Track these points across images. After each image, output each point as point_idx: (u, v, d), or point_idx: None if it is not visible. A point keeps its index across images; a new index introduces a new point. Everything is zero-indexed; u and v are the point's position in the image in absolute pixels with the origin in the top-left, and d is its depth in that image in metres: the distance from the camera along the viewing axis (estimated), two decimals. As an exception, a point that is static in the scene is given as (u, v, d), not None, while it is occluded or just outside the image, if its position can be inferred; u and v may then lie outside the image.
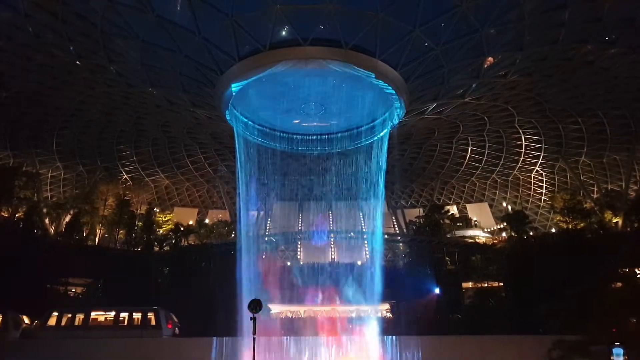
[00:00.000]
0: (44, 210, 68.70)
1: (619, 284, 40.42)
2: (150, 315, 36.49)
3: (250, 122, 51.25)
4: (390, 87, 42.89)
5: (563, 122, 60.94)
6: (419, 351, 39.69)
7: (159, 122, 61.62)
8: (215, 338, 38.86)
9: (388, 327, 44.58)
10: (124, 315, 36.49)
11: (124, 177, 76.27)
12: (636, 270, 48.23)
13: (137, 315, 36.70)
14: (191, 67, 42.34)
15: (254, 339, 13.53)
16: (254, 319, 13.31)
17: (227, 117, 49.16)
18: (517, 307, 43.17)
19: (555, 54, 43.17)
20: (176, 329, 37.84)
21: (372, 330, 43.67)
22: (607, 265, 42.44)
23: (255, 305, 13.48)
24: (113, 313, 36.66)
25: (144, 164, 74.70)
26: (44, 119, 58.75)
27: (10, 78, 47.98)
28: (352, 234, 68.49)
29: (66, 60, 44.21)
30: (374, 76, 40.76)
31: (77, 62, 44.50)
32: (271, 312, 51.43)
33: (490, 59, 43.72)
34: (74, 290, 58.12)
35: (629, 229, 57.11)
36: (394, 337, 40.77)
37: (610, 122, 58.35)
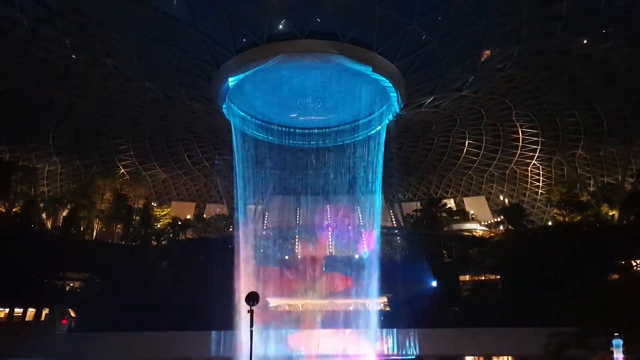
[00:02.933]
0: (41, 204, 68.52)
1: (615, 276, 40.73)
2: (45, 311, 36.27)
3: (247, 116, 51.10)
4: (387, 81, 42.80)
5: (560, 115, 60.99)
6: (416, 343, 40.04)
7: (156, 116, 61.39)
8: (213, 331, 39.17)
9: (386, 320, 44.87)
10: (18, 311, 36.31)
11: (121, 171, 76.05)
12: (632, 262, 48.57)
13: (31, 311, 36.47)
14: (188, 60, 42.13)
15: (251, 332, 13.58)
16: (251, 311, 13.35)
17: (224, 111, 49.02)
18: (513, 300, 43.47)
19: (552, 47, 43.11)
20: (72, 323, 37.57)
21: (370, 323, 43.94)
22: (603, 257, 42.75)
23: (253, 299, 13.50)
24: (7, 309, 36.42)
25: (141, 158, 74.45)
26: (40, 114, 58.45)
27: (6, 73, 47.67)
28: (349, 227, 68.54)
29: (62, 54, 43.94)
30: (371, 69, 40.66)
31: (73, 56, 44.22)
32: (269, 305, 51.59)
33: (487, 52, 43.66)
34: (71, 284, 58.17)
35: (625, 222, 57.44)
36: (391, 329, 41.10)
37: (607, 115, 58.38)
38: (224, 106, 47.81)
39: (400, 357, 41.19)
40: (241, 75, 41.75)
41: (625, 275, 40.54)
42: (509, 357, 45.46)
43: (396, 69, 41.57)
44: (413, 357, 40.89)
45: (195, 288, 46.27)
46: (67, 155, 69.95)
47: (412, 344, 40.15)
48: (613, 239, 45.86)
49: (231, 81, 42.40)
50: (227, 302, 37.45)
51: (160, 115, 60.95)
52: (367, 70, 40.76)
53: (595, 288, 31.50)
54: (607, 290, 31.07)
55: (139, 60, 43.75)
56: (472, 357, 46.60)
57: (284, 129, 53.12)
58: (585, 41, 42.77)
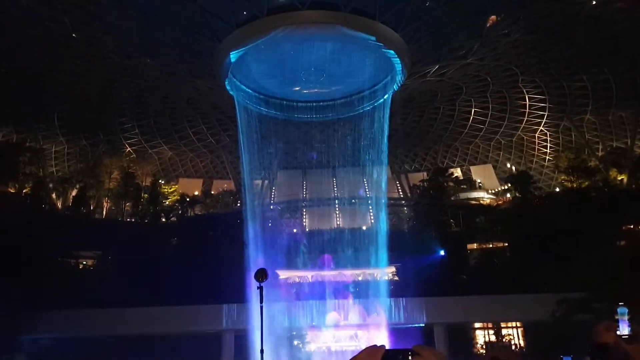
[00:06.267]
0: (50, 185, 69.20)
1: (623, 242, 40.76)
2: None
3: (250, 91, 50.76)
4: (391, 50, 42.19)
5: (568, 80, 59.91)
6: (424, 312, 40.64)
7: (159, 94, 61.14)
8: (225, 305, 39.99)
9: (394, 289, 45.44)
10: None
11: (128, 149, 76.26)
12: (640, 227, 48.47)
13: None
14: (189, 36, 41.69)
15: (261, 307, 13.88)
16: (260, 288, 13.63)
17: (227, 86, 48.71)
18: (521, 267, 43.71)
19: (559, 10, 42.08)
20: None
21: (378, 293, 44.58)
22: (611, 223, 42.69)
23: (262, 275, 13.75)
24: None
25: (147, 136, 74.51)
26: (44, 94, 58.29)
27: (7, 53, 47.39)
28: (356, 199, 68.80)
29: (62, 33, 43.54)
30: (374, 39, 40.03)
31: (73, 35, 43.82)
32: (279, 277, 52.36)
33: (493, 17, 42.75)
34: (84, 262, 59.23)
35: (633, 186, 57.08)
36: (400, 298, 41.70)
37: (616, 79, 57.26)
38: (226, 81, 47.49)
39: (409, 326, 41.90)
40: (243, 50, 41.29)
41: (632, 241, 40.55)
42: (517, 324, 46.13)
43: (400, 37, 40.95)
44: (422, 325, 41.57)
45: (205, 263, 46.94)
46: (73, 135, 70.10)
47: (420, 313, 40.73)
48: (621, 204, 45.67)
49: (233, 55, 41.99)
50: (237, 275, 37.99)
51: (164, 93, 60.69)
52: (371, 40, 40.15)
53: (602, 254, 31.59)
54: (614, 256, 31.18)
55: (139, 38, 43.31)
56: (481, 323, 47.31)
57: (288, 102, 52.78)
58: (594, 2, 41.66)
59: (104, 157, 73.96)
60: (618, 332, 3.70)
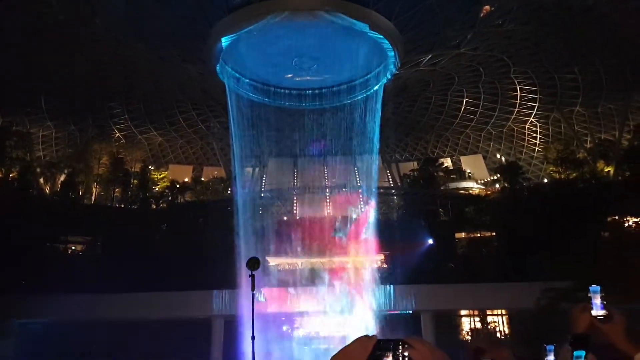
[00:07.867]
0: (38, 170, 68.43)
1: (607, 233, 41.51)
2: None
3: (241, 77, 50.37)
4: (384, 39, 42.08)
5: (559, 72, 60.22)
6: (412, 299, 41.21)
7: (149, 79, 60.42)
8: (214, 291, 40.23)
9: (383, 277, 45.95)
10: None
11: (117, 135, 75.43)
12: (625, 218, 49.32)
13: None
14: (180, 20, 41.18)
15: (252, 295, 14.04)
16: (252, 276, 13.76)
17: (218, 72, 48.30)
18: (509, 256, 44.36)
19: (553, 2, 42.18)
20: None
21: (367, 280, 45.04)
22: (597, 214, 43.40)
23: (254, 263, 13.88)
24: None
25: (136, 122, 73.67)
26: (31, 77, 57.33)
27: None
28: (347, 188, 68.91)
29: (48, 14, 42.75)
30: (367, 27, 39.90)
31: (60, 17, 43.06)
32: (269, 264, 52.60)
33: (487, 7, 42.75)
34: (73, 247, 58.98)
35: (620, 178, 57.91)
36: (388, 286, 42.22)
37: (607, 71, 57.64)
38: (217, 67, 47.09)
39: (397, 313, 42.45)
40: (234, 35, 40.94)
41: (616, 232, 41.29)
42: (502, 311, 46.93)
43: (393, 26, 40.83)
44: (409, 312, 42.15)
45: (195, 249, 46.99)
46: (61, 119, 69.10)
47: (408, 300, 41.27)
48: (607, 195, 46.39)
49: (224, 41, 41.62)
50: (227, 262, 38.12)
51: (154, 78, 59.98)
52: (364, 28, 40.01)
53: (588, 244, 32.18)
54: (599, 246, 31.77)
55: (129, 21, 42.68)
56: (467, 311, 48.07)
57: (279, 90, 52.51)
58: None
59: (92, 142, 73.14)
60: (593, 313, 3.80)
